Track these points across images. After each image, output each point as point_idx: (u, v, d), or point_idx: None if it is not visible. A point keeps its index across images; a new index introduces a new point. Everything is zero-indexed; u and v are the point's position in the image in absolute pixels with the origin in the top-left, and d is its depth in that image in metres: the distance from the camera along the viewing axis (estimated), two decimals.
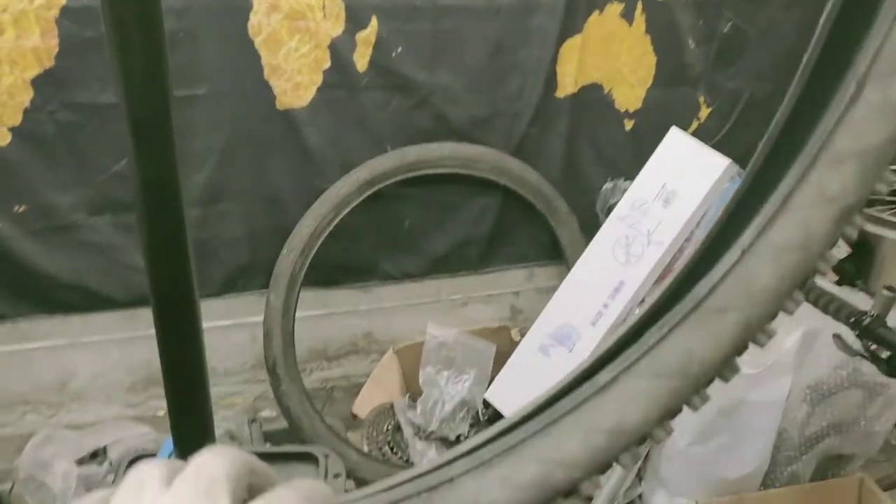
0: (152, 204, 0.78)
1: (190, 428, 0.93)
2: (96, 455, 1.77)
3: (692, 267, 0.41)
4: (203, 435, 0.94)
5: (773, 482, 1.89)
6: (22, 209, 1.62)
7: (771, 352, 1.72)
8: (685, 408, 0.37)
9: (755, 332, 0.38)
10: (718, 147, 1.83)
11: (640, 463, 1.87)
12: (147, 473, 0.31)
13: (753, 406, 1.73)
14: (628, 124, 1.98)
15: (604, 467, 0.36)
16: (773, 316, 0.38)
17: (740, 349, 0.38)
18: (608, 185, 2.02)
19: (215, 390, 1.99)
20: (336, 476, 1.22)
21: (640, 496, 1.93)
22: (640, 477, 1.93)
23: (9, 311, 1.74)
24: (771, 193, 0.39)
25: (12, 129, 1.53)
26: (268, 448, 1.82)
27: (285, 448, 1.84)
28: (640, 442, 0.36)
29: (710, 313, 0.37)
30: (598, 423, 0.36)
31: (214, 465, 0.30)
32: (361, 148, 1.80)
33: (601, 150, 2.01)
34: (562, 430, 0.36)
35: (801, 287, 0.38)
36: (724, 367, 0.37)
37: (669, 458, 1.84)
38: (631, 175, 1.91)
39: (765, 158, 0.43)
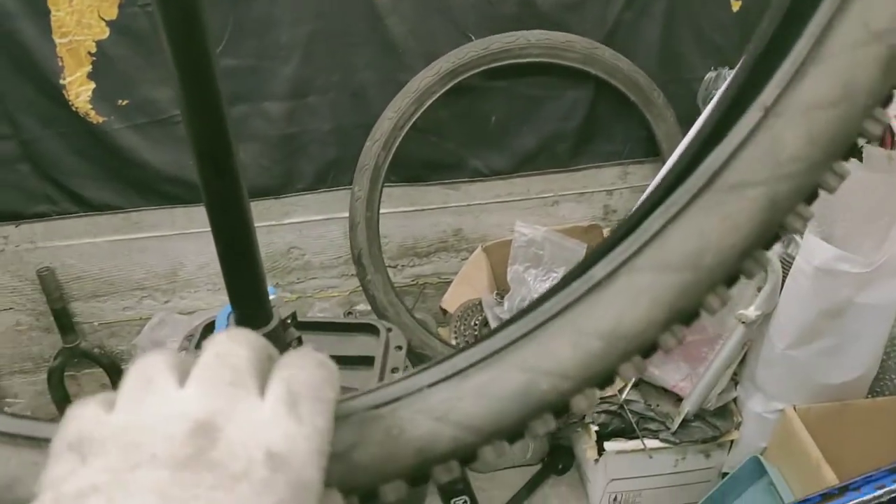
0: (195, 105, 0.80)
1: (245, 292, 0.98)
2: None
3: (705, 135, 0.33)
4: (258, 299, 0.99)
5: (881, 390, 1.76)
6: (125, 103, 1.73)
7: (883, 250, 1.57)
8: (701, 311, 0.31)
9: (784, 213, 0.31)
10: None
11: (733, 366, 1.80)
12: (154, 367, 0.27)
13: (862, 308, 1.61)
14: (735, 4, 1.82)
15: (599, 379, 0.31)
16: (808, 192, 0.31)
17: (766, 236, 0.31)
18: (711, 75, 1.88)
19: (312, 283, 2.10)
20: (398, 348, 1.25)
21: (734, 400, 1.87)
22: (735, 381, 1.86)
23: (122, 203, 1.88)
24: (799, 36, 0.31)
25: (110, 24, 1.62)
26: (333, 318, 1.90)
27: (349, 319, 1.91)
28: (643, 350, 0.31)
29: (726, 190, 0.30)
30: (591, 327, 0.31)
31: (236, 352, 0.26)
32: (445, 38, 1.77)
33: (704, 34, 1.86)
34: (548, 335, 0.31)
35: (843, 155, 0.32)
36: (746, 259, 0.31)
37: (767, 361, 1.75)
38: (737, 62, 1.76)
39: None
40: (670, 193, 0.32)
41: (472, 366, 0.31)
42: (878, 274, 1.57)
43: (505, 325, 0.32)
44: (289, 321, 1.07)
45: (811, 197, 0.31)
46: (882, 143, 1.77)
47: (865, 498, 0.94)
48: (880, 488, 0.95)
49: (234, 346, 0.27)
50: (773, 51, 0.33)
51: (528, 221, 2.03)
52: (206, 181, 0.85)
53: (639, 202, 0.34)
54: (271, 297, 1.05)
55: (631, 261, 0.31)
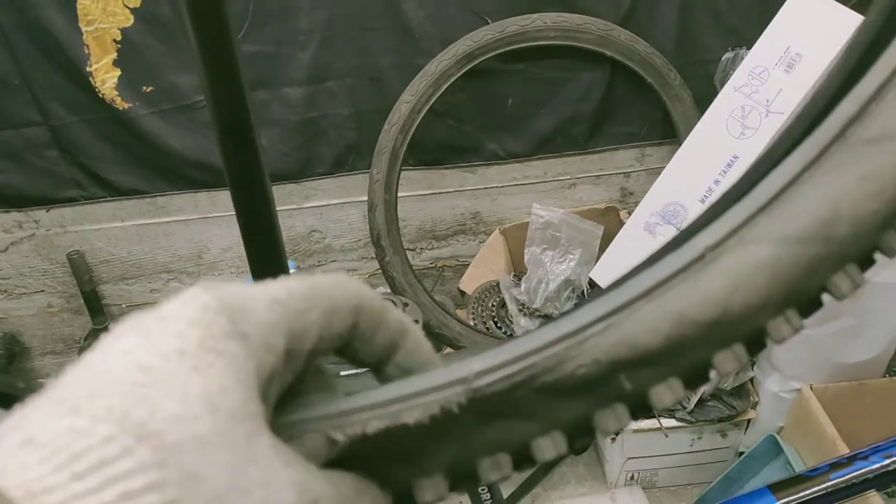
0: (218, 91, 0.83)
1: (265, 264, 1.01)
2: None
3: (836, 80, 0.28)
4: (278, 271, 1.02)
5: None
6: (149, 89, 1.77)
7: None
8: (825, 297, 0.26)
9: None
10: (857, 10, 1.64)
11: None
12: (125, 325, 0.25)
13: (880, 288, 1.61)
14: None
15: (690, 373, 0.26)
16: None
17: None
18: (728, 56, 1.87)
19: (333, 266, 2.13)
20: (415, 322, 1.29)
21: (751, 380, 1.87)
22: (752, 361, 1.87)
23: (147, 188, 1.93)
24: None
25: (134, 11, 1.67)
26: None
27: None
28: (747, 338, 0.26)
29: (865, 143, 0.25)
30: (688, 309, 0.26)
31: (208, 294, 0.25)
32: (461, 22, 1.78)
33: (721, 15, 1.86)
34: (631, 318, 0.26)
35: None
36: (890, 231, 0.25)
37: None
38: (755, 43, 1.76)
39: None
40: (793, 149, 0.27)
41: (525, 355, 0.27)
42: None
43: (593, 297, 0.28)
44: None
45: None
46: None
47: (873, 466, 0.95)
48: (888, 457, 0.95)
49: (207, 290, 0.26)
50: None
51: (546, 204, 2.04)
52: (228, 155, 0.89)
53: (755, 159, 0.29)
54: (291, 270, 1.09)
55: (742, 229, 0.26)
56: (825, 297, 0.26)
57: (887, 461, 0.96)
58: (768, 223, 0.26)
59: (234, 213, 0.91)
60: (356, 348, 0.29)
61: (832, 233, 0.25)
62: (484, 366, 0.26)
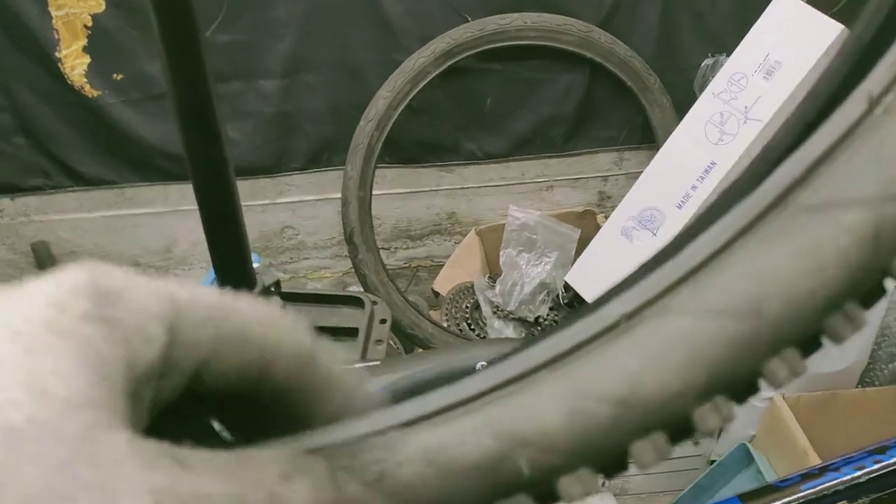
0: (180, 77, 0.80)
1: (227, 256, 0.98)
2: None
3: (791, 132, 0.26)
4: (240, 264, 0.99)
5: (871, 380, 1.76)
6: (120, 77, 1.73)
7: None
8: (759, 381, 0.23)
9: (892, 249, 0.22)
10: (837, 19, 1.64)
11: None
12: None
13: None
14: None
15: (601, 459, 0.23)
16: None
17: (864, 282, 0.22)
18: (708, 61, 1.87)
19: (305, 263, 2.10)
20: (382, 321, 1.26)
21: None
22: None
23: (116, 178, 1.88)
24: None
25: None
26: (318, 289, 1.90)
27: (334, 291, 1.92)
28: (668, 426, 0.22)
29: (807, 211, 0.22)
30: (594, 387, 0.23)
31: (83, 273, 0.21)
32: (441, 18, 1.76)
33: (702, 20, 1.85)
34: (535, 391, 0.23)
35: None
36: (833, 315, 0.22)
37: None
38: (735, 49, 1.76)
39: None
40: (728, 211, 0.24)
41: (441, 413, 0.24)
42: None
43: (488, 367, 0.24)
44: (272, 289, 1.07)
45: None
46: None
47: (845, 478, 0.94)
48: (860, 469, 0.94)
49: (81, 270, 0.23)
50: (888, 27, 0.26)
51: (523, 206, 2.02)
52: (189, 143, 0.86)
53: (688, 221, 0.27)
54: (255, 264, 1.05)
55: (663, 298, 0.23)
56: (759, 382, 0.23)
57: (859, 473, 0.94)
58: (691, 293, 0.23)
59: None
60: (299, 407, 0.25)
61: (762, 310, 0.22)
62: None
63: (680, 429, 0.23)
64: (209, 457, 0.21)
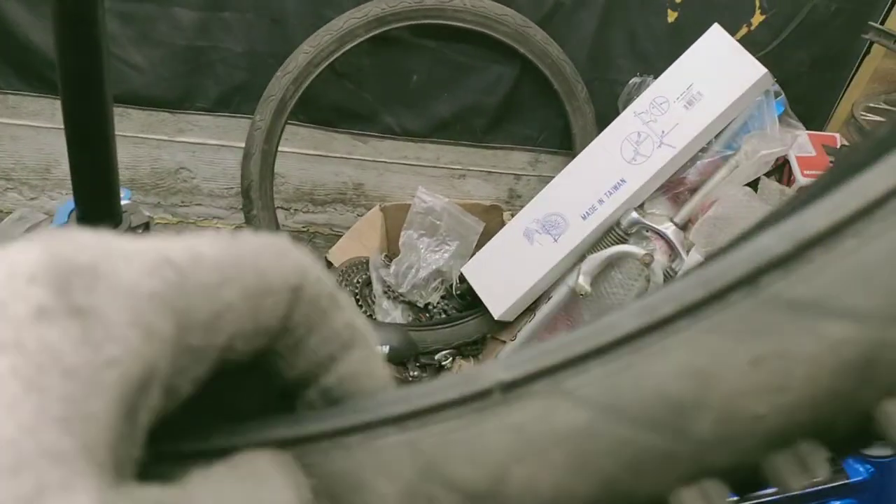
0: None
1: (91, 185, 0.89)
2: None
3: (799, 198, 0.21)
4: (106, 196, 0.90)
5: None
6: None
7: None
8: None
9: (883, 393, 0.16)
10: (763, 63, 1.68)
11: None
12: None
13: None
14: (672, 16, 1.83)
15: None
16: None
17: (831, 421, 0.17)
18: (636, 80, 1.88)
19: (197, 209, 1.99)
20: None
21: None
22: None
23: (0, 83, 1.72)
24: None
25: None
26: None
27: None
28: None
29: (780, 308, 0.17)
30: (439, 462, 0.18)
31: (41, 248, 0.15)
32: None
33: (637, 39, 1.86)
34: (371, 446, 0.18)
35: None
36: (777, 450, 0.17)
37: None
38: (662, 73, 1.78)
39: None
40: (692, 272, 0.18)
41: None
42: None
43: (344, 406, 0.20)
44: (140, 231, 0.99)
45: None
46: (780, 180, 1.82)
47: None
48: None
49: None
50: None
51: (432, 190, 1.99)
52: (63, 48, 0.77)
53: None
54: (124, 200, 0.97)
55: (563, 373, 0.18)
56: None
57: None
58: (599, 377, 0.17)
59: None
60: (278, 354, 0.19)
61: (687, 423, 0.17)
62: None
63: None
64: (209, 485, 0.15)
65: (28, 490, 0.12)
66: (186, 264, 0.16)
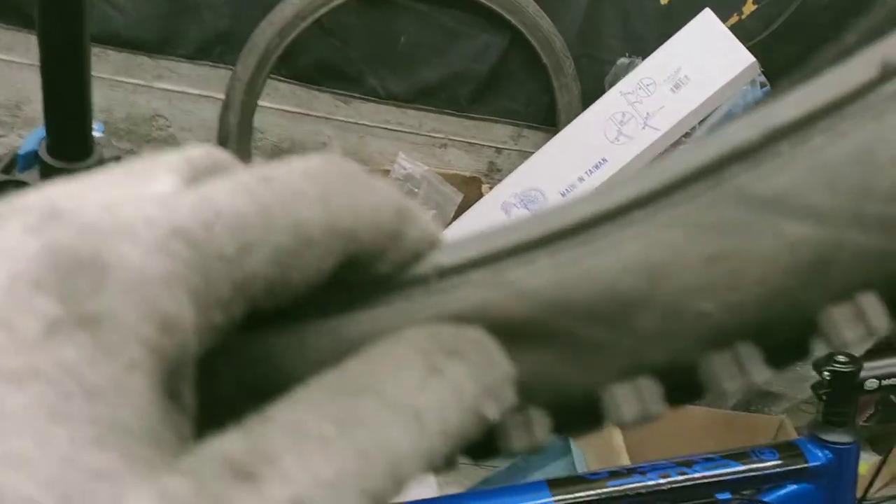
0: None
1: (63, 113, 0.86)
2: None
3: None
4: (78, 125, 0.87)
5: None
6: None
7: None
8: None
9: (830, 292, 0.16)
10: (751, 52, 1.68)
11: None
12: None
13: None
14: None
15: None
16: None
17: (772, 321, 0.16)
18: (624, 61, 1.87)
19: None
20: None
21: None
22: None
23: None
24: None
25: None
26: None
27: None
28: None
29: (743, 201, 0.16)
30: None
31: (38, 239, 0.14)
32: None
33: (628, 19, 1.85)
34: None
35: None
36: (711, 351, 0.17)
37: None
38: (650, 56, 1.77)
39: None
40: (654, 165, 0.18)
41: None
42: None
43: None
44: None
45: None
46: None
47: (649, 483, 0.97)
48: (664, 477, 0.97)
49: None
50: None
51: (413, 157, 1.97)
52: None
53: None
54: (97, 133, 0.93)
55: (501, 263, 0.17)
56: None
57: (663, 480, 0.97)
58: (545, 269, 0.16)
59: None
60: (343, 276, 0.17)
61: (629, 319, 0.16)
62: None
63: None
64: (293, 414, 0.14)
65: None
66: (199, 232, 0.14)
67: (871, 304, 0.16)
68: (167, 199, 0.14)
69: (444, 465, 0.15)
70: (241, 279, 0.14)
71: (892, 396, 1.19)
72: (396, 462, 0.14)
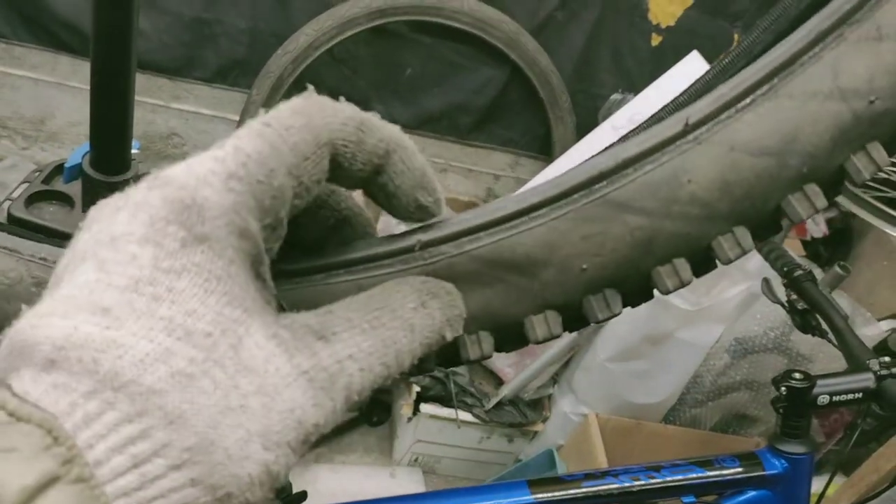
0: None
1: (108, 131, 0.95)
2: None
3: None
4: (120, 143, 0.97)
5: (674, 419, 1.93)
6: None
7: (711, 295, 1.73)
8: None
9: (655, 257, 0.28)
10: None
11: (557, 365, 1.91)
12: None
13: (680, 343, 1.75)
14: (656, 40, 1.94)
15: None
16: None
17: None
18: (616, 96, 1.98)
19: None
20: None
21: (549, 396, 1.99)
22: (554, 379, 1.98)
23: (7, 33, 1.77)
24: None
25: None
26: None
27: None
28: None
29: (606, 204, 0.27)
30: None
31: (155, 194, 0.22)
32: None
33: (621, 57, 1.96)
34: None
35: None
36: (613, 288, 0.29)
37: (586, 367, 1.88)
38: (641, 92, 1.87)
39: None
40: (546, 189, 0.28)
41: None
42: (701, 316, 1.73)
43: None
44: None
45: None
46: None
47: (621, 484, 1.04)
48: (635, 479, 1.05)
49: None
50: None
51: None
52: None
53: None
54: (134, 150, 1.03)
55: (461, 239, 0.28)
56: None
57: (633, 483, 1.05)
58: (487, 242, 0.27)
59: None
60: (336, 178, 0.26)
61: (537, 272, 0.27)
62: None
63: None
64: (345, 312, 0.23)
65: (227, 349, 0.20)
66: (241, 171, 0.22)
67: (682, 265, 0.28)
68: (217, 154, 0.23)
69: (419, 367, 0.25)
70: (274, 191, 0.23)
71: (859, 421, 1.26)
72: (399, 352, 0.24)
